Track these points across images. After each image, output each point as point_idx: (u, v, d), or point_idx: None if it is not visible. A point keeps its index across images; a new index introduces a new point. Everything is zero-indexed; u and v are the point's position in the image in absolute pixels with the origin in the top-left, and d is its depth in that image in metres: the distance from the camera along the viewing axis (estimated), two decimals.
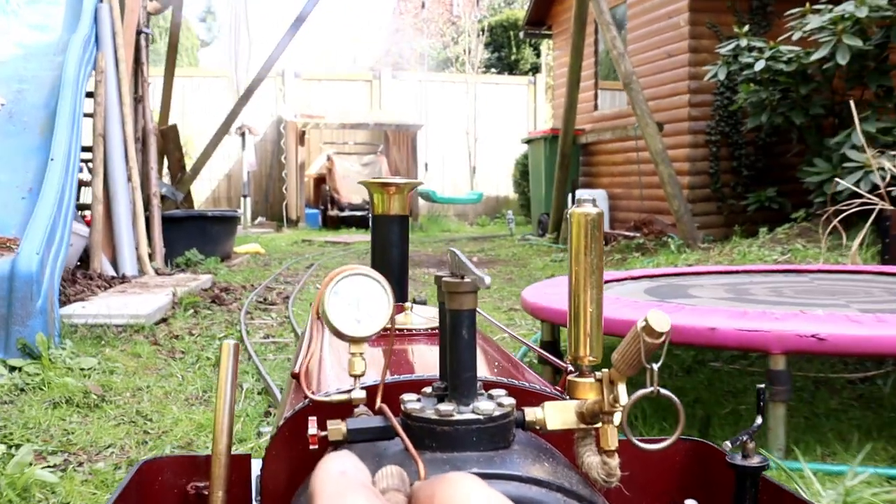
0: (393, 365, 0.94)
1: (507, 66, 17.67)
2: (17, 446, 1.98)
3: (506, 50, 17.85)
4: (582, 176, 10.80)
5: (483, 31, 17.35)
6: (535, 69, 17.01)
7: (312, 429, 0.71)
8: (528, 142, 11.36)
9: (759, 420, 0.96)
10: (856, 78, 7.09)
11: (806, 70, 7.20)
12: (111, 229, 5.21)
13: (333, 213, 13.35)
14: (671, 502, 0.92)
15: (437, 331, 1.05)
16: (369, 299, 0.74)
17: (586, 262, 0.70)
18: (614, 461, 0.71)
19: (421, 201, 13.63)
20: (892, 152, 5.66)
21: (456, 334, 0.64)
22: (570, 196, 9.20)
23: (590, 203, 0.71)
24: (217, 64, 12.69)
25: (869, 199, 4.50)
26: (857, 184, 5.80)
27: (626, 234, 8.75)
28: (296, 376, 0.84)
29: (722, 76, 7.85)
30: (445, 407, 0.63)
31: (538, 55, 17.16)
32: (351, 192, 13.38)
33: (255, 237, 10.00)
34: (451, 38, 18.66)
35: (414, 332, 1.08)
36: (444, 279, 0.65)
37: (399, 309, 1.11)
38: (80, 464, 1.96)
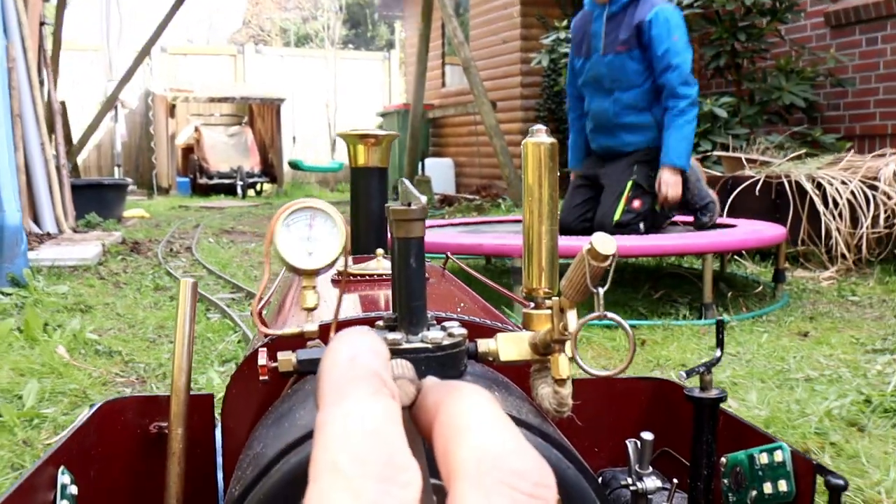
0: (359, 307, 0.96)
1: (364, 41, 18.90)
2: (59, 326, 3.15)
3: (362, 27, 19.07)
4: (431, 146, 12.16)
5: (341, 8, 18.47)
6: (390, 45, 18.26)
7: (262, 359, 0.73)
8: (383, 115, 12.64)
9: (718, 353, 1.00)
10: None
11: None
12: (32, 195, 6.20)
13: (203, 180, 14.22)
14: (630, 437, 0.93)
15: None
16: (321, 232, 0.76)
17: (540, 194, 0.70)
18: (565, 390, 0.71)
19: (286, 168, 14.71)
20: None
21: (404, 262, 0.62)
22: (420, 164, 10.56)
23: (542, 132, 0.72)
24: (84, 37, 13.29)
25: None
26: None
27: (468, 196, 10.18)
28: (255, 315, 0.84)
29: (545, 63, 9.32)
30: (393, 336, 0.62)
31: (392, 32, 18.42)
32: (219, 161, 14.30)
33: (135, 203, 10.90)
34: (309, 14, 19.66)
35: (384, 276, 1.08)
36: (391, 207, 0.62)
37: (373, 257, 1.14)
38: (101, 334, 3.15)
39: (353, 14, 19.05)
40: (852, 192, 4.44)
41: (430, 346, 0.62)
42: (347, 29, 18.99)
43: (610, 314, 0.65)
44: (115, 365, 2.70)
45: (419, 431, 0.38)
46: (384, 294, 1.03)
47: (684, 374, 0.98)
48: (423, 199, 0.62)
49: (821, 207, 4.52)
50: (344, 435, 0.31)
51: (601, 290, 0.64)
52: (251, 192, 14.22)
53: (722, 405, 0.98)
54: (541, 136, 0.72)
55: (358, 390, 0.33)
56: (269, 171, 14.71)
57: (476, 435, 0.32)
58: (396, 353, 0.61)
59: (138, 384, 2.52)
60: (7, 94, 5.74)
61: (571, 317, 0.68)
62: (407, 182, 0.65)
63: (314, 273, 0.76)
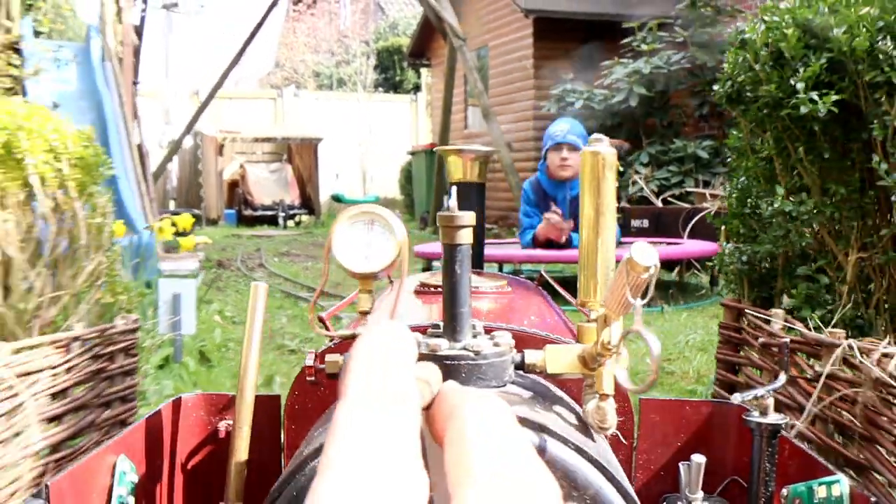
0: (422, 314, 1.01)
1: (393, 85, 20.53)
2: (201, 309, 4.56)
3: (392, 71, 20.70)
4: None
5: (370, 56, 20.14)
6: (417, 88, 19.82)
7: (309, 361, 0.78)
8: (412, 153, 14.14)
9: (782, 377, 1.02)
10: (647, 114, 10.09)
11: (612, 108, 10.15)
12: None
13: (248, 212, 15.70)
14: (683, 458, 0.92)
15: (486, 291, 1.15)
16: (378, 237, 0.77)
17: (596, 205, 0.68)
18: (608, 406, 0.69)
19: (322, 200, 16.22)
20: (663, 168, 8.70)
21: (449, 269, 0.62)
22: (445, 198, 11.97)
23: (604, 142, 0.68)
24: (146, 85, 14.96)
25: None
26: (639, 190, 8.78)
27: (487, 226, 11.59)
28: (321, 320, 0.87)
29: (554, 110, 10.74)
30: (435, 341, 0.63)
31: (419, 76, 19.99)
32: (262, 194, 15.81)
33: (195, 232, 12.38)
34: (342, 58, 21.31)
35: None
36: (439, 214, 0.64)
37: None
38: (228, 313, 4.55)
39: (383, 60, 20.69)
40: None
41: (471, 353, 0.62)
42: (378, 73, 20.62)
43: (638, 328, 0.61)
44: None
45: (432, 435, 0.39)
46: None
47: (739, 397, 0.97)
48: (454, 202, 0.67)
49: None
50: (360, 441, 0.32)
51: (639, 303, 0.62)
52: (291, 223, 15.68)
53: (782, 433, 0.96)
54: (600, 146, 0.69)
55: (381, 397, 0.34)
56: (308, 203, 16.17)
57: (484, 445, 0.33)
58: (435, 358, 0.61)
59: (268, 338, 3.92)
60: (118, 141, 7.26)
61: (615, 330, 0.66)
62: (454, 190, 0.68)
63: (370, 277, 0.77)
